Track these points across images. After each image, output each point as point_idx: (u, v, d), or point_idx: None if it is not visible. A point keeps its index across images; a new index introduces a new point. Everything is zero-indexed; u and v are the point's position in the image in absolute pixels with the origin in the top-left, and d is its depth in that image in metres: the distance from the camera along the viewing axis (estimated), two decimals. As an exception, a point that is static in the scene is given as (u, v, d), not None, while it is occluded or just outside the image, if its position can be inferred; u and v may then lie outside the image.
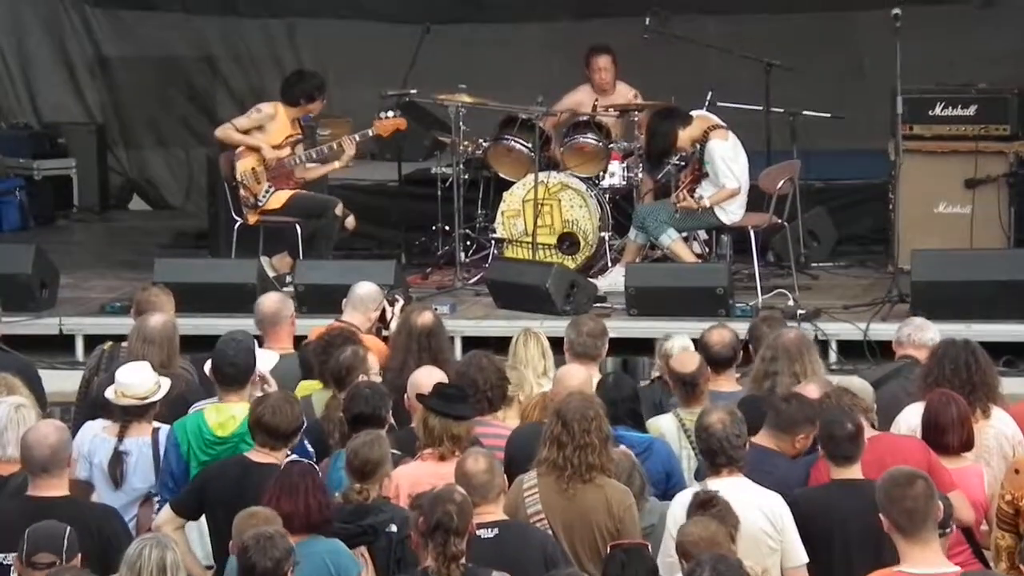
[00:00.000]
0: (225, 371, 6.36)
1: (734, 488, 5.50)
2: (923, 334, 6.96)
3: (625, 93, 10.42)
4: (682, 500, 5.52)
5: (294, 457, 5.79)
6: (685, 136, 9.54)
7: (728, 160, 9.46)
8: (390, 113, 10.01)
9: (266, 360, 6.60)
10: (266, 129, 9.91)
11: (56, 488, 5.56)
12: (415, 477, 5.73)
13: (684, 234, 9.74)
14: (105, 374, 6.86)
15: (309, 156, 9.99)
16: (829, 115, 10.47)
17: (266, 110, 9.95)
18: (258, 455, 5.92)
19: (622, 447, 5.91)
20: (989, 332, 8.36)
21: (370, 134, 10.02)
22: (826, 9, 12.27)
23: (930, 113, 9.93)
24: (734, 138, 9.60)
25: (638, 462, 5.87)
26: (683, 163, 9.98)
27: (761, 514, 5.49)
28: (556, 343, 7.17)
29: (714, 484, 5.54)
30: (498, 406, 6.42)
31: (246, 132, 9.88)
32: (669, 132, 9.54)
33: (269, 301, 7.40)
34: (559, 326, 8.20)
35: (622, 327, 8.88)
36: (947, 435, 6.00)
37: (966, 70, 10.81)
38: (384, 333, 7.52)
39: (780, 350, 6.43)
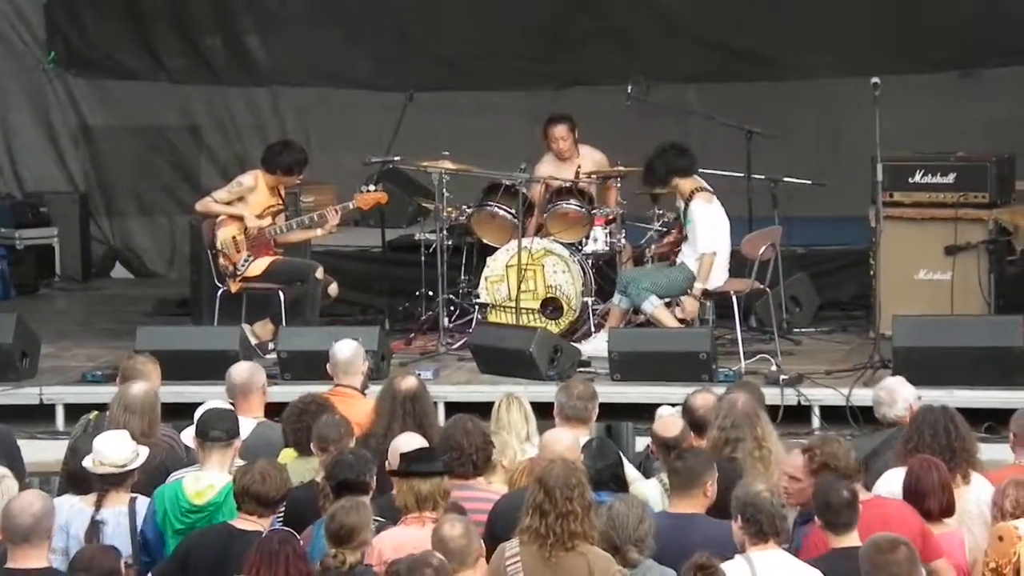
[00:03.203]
0: (209, 437, 6.34)
1: (777, 563, 5.43)
2: (898, 398, 6.96)
3: (590, 155, 10.48)
4: None
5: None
6: (678, 183, 9.57)
7: (709, 223, 9.51)
8: (372, 187, 10.08)
9: (242, 427, 6.58)
10: (247, 200, 9.95)
11: (36, 559, 5.50)
12: (398, 541, 5.69)
13: (666, 300, 9.77)
14: (89, 443, 6.81)
15: (290, 227, 10.02)
16: (810, 182, 10.54)
17: (246, 182, 9.99)
18: (243, 523, 5.89)
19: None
20: (970, 398, 8.37)
21: (351, 207, 10.08)
22: (806, 77, 12.39)
23: (910, 180, 9.99)
24: (718, 203, 9.67)
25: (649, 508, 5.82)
26: (665, 229, 10.06)
27: None
28: (539, 408, 7.16)
29: (757, 556, 5.43)
30: (483, 469, 6.41)
31: (227, 204, 9.92)
32: (671, 171, 9.52)
33: (240, 370, 7.38)
34: (543, 391, 8.23)
35: (606, 392, 8.86)
36: (928, 500, 5.98)
37: (945, 138, 10.90)
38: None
39: (739, 416, 6.37)
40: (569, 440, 6.35)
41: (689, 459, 5.98)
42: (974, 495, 6.23)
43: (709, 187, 9.69)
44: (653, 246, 9.66)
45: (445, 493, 5.84)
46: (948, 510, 6.02)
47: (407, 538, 5.69)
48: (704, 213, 9.54)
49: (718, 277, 9.65)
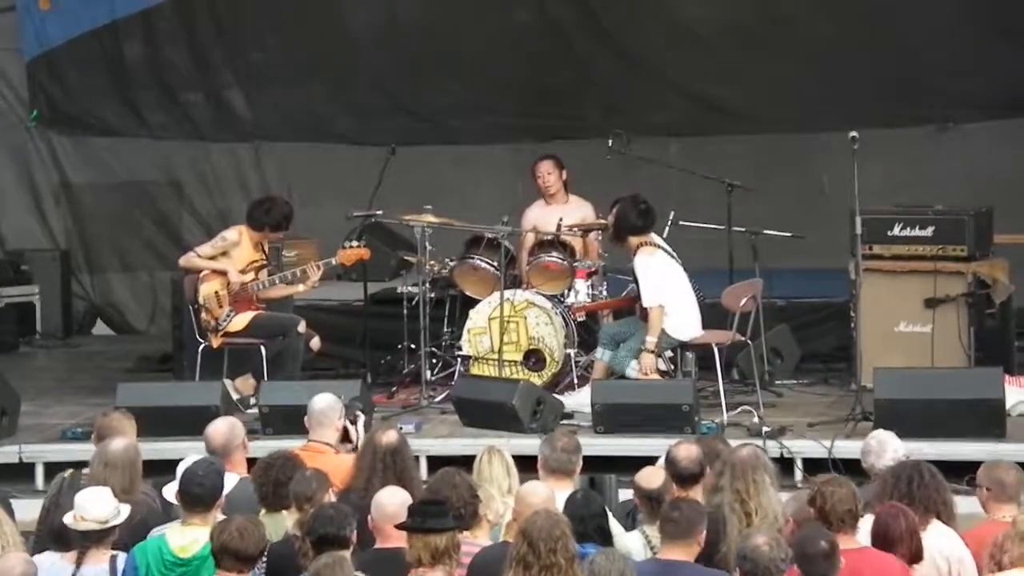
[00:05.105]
0: (192, 491, 6.32)
1: None
2: (887, 449, 6.99)
3: (580, 206, 10.54)
4: None
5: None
6: (630, 240, 9.64)
7: (651, 277, 9.54)
8: (354, 243, 10.11)
9: (227, 482, 6.55)
10: (231, 255, 9.96)
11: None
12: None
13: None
14: (65, 502, 6.77)
15: (272, 282, 10.03)
16: (790, 234, 10.60)
17: (230, 237, 10.01)
18: (222, 581, 5.86)
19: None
20: (952, 451, 8.37)
21: (333, 262, 10.10)
22: (786, 131, 12.48)
23: (889, 233, 10.04)
24: (662, 255, 9.67)
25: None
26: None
27: None
28: (522, 461, 7.15)
29: None
30: (470, 524, 6.39)
31: (211, 259, 9.93)
32: (626, 229, 9.59)
33: (217, 433, 7.25)
34: (526, 444, 8.21)
35: (589, 444, 8.85)
36: (896, 547, 5.97)
37: (924, 192, 10.98)
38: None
39: (728, 465, 6.49)
40: (545, 493, 6.33)
41: (685, 509, 6.01)
42: (927, 543, 6.17)
43: (658, 241, 9.71)
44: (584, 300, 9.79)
45: (458, 546, 5.82)
46: (916, 557, 6.01)
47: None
48: (646, 267, 9.58)
49: (689, 328, 9.66)
